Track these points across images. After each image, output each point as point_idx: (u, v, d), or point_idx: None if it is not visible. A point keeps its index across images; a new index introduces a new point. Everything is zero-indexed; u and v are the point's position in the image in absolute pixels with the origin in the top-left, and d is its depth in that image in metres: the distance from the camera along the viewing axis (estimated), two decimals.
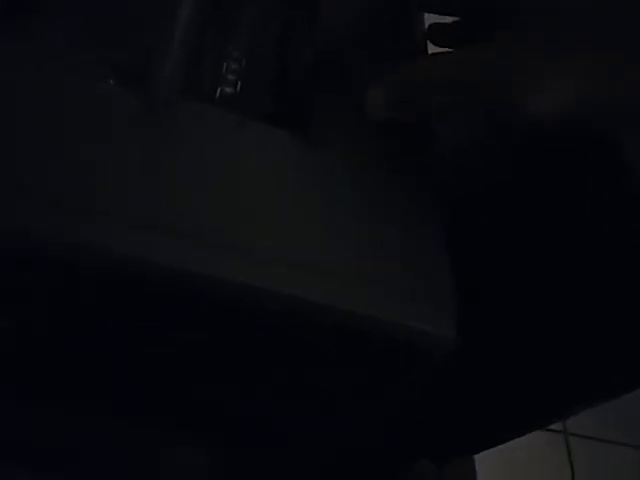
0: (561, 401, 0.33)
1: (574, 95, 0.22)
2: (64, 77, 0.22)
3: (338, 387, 0.25)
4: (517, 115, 0.22)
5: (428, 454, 0.35)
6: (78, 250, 0.20)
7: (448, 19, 0.31)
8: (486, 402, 0.33)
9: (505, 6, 0.24)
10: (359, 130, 0.26)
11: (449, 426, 0.33)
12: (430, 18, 0.33)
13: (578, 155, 0.30)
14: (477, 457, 0.63)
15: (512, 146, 0.33)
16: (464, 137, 0.34)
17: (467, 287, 0.28)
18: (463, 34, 0.30)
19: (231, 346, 0.24)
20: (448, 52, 0.25)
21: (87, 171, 0.21)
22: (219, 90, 0.26)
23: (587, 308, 0.30)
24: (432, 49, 0.33)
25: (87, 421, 0.29)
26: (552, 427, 1.13)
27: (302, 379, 0.25)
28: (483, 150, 0.34)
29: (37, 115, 0.21)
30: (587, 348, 0.31)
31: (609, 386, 0.32)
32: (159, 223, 0.20)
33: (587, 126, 0.25)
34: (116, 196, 0.20)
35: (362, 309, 0.21)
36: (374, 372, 0.24)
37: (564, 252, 0.30)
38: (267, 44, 0.30)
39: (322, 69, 0.28)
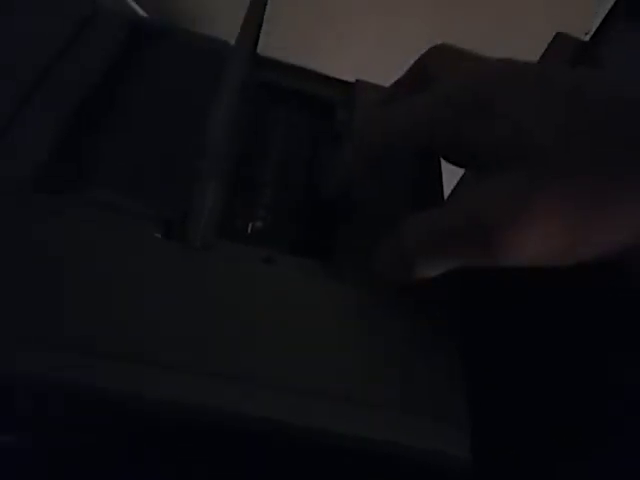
0: None
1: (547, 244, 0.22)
2: (111, 232, 0.25)
3: None
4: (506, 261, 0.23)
5: None
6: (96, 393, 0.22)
7: None
8: None
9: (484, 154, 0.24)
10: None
11: None
12: None
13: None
14: None
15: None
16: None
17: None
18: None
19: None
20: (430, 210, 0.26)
21: (126, 318, 0.23)
22: (250, 226, 0.30)
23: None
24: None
25: None
26: None
27: None
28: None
29: (80, 267, 0.24)
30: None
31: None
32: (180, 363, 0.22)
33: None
34: (148, 340, 0.23)
35: (374, 434, 0.23)
36: None
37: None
38: (295, 173, 0.34)
39: (347, 202, 0.31)
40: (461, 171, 0.55)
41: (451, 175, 0.41)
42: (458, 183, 0.61)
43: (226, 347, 0.24)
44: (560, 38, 0.59)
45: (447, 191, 0.36)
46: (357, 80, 0.38)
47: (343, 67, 0.46)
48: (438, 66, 0.29)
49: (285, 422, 0.22)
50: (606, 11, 0.72)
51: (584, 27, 0.73)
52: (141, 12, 0.69)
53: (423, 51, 0.30)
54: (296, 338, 0.25)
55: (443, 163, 0.33)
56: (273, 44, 0.40)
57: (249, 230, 0.30)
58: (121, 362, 0.22)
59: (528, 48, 0.58)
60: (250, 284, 0.26)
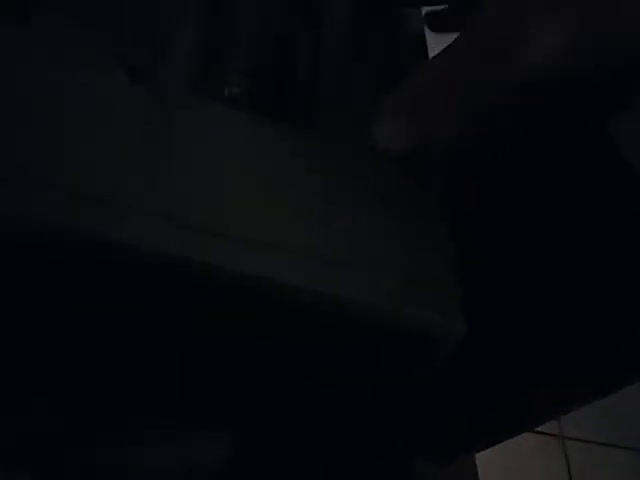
0: (555, 396, 0.33)
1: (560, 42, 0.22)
2: (72, 73, 0.22)
3: (344, 380, 0.25)
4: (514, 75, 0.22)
5: (428, 452, 0.36)
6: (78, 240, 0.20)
7: None
8: (483, 393, 0.33)
9: None
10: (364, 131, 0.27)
11: (447, 418, 0.34)
12: None
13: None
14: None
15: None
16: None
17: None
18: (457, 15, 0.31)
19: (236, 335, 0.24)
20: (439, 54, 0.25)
21: (91, 168, 0.21)
22: (226, 90, 0.27)
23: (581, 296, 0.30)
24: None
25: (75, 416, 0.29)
26: (549, 431, 1.13)
27: (306, 370, 0.25)
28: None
29: (42, 111, 0.21)
30: (584, 337, 0.31)
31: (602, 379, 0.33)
32: (152, 210, 0.21)
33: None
34: (118, 190, 0.21)
35: (369, 299, 0.22)
36: (382, 365, 0.24)
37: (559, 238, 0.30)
38: (272, 43, 0.31)
39: (327, 71, 0.29)
40: None
41: None
42: None
43: (209, 200, 0.22)
44: None
45: None
46: None
47: None
48: None
49: (279, 283, 0.21)
50: None
51: None
52: None
53: None
54: (286, 201, 0.23)
55: None
56: None
57: (225, 94, 0.27)
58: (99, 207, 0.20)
59: None
60: (235, 142, 0.24)
